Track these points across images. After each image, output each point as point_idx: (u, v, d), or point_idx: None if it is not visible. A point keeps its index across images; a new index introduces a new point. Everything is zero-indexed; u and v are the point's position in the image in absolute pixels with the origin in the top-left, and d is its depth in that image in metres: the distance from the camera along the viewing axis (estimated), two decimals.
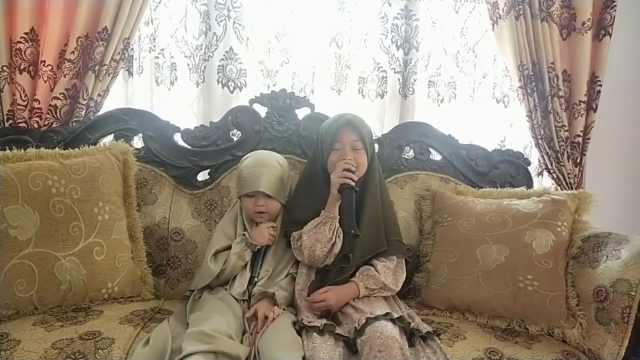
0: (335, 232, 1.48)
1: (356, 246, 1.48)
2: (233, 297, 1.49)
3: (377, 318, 1.29)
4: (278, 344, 1.26)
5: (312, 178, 1.63)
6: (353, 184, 1.47)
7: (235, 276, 1.54)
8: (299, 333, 1.34)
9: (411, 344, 1.32)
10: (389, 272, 1.53)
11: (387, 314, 1.32)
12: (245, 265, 1.55)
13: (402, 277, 1.57)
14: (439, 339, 1.39)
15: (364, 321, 1.29)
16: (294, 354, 1.22)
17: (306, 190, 1.62)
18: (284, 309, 1.45)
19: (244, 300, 1.50)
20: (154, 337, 1.29)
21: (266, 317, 1.37)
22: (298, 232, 1.54)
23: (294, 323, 1.39)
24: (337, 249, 1.48)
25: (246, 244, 1.54)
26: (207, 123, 1.91)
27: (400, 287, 1.56)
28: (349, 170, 1.48)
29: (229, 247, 1.56)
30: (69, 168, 1.53)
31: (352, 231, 1.44)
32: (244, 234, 1.57)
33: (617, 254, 1.49)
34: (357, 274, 1.51)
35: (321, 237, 1.48)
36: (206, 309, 1.41)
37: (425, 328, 1.39)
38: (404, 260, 1.60)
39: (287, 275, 1.57)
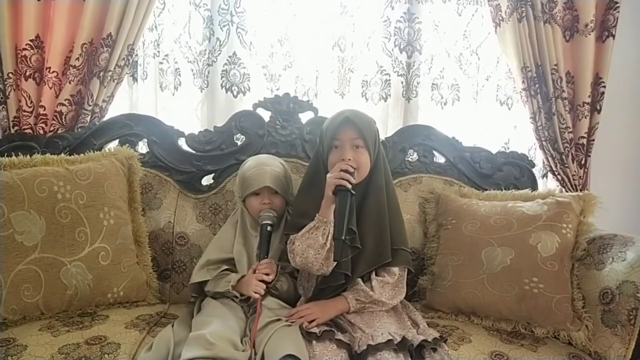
0: (329, 238, 1.37)
1: (360, 259, 1.41)
2: (234, 300, 1.49)
3: (378, 347, 1.25)
4: (284, 349, 1.26)
5: (313, 178, 1.53)
6: (349, 186, 1.35)
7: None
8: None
9: (421, 356, 1.30)
10: (387, 288, 1.45)
11: (388, 341, 1.27)
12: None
13: (402, 292, 1.49)
14: (445, 344, 1.38)
15: (364, 347, 1.26)
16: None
17: (307, 191, 1.52)
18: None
19: (247, 304, 1.50)
20: (156, 342, 1.29)
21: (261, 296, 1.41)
22: (294, 235, 1.44)
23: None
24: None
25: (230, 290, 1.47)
26: (211, 128, 1.92)
27: (397, 302, 1.48)
28: (346, 171, 1.37)
29: (220, 261, 1.55)
30: (75, 174, 1.54)
31: (343, 238, 1.29)
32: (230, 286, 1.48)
33: (623, 255, 1.48)
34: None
35: (313, 242, 1.38)
36: (207, 312, 1.42)
37: (432, 335, 1.37)
38: (406, 271, 1.51)
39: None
